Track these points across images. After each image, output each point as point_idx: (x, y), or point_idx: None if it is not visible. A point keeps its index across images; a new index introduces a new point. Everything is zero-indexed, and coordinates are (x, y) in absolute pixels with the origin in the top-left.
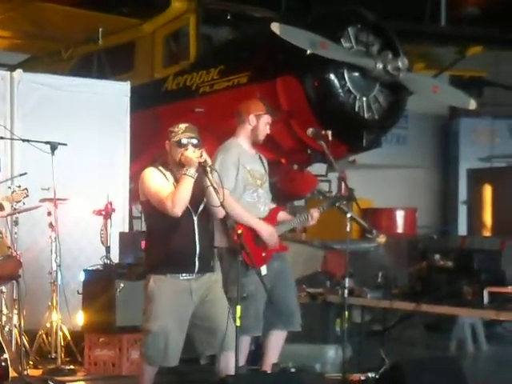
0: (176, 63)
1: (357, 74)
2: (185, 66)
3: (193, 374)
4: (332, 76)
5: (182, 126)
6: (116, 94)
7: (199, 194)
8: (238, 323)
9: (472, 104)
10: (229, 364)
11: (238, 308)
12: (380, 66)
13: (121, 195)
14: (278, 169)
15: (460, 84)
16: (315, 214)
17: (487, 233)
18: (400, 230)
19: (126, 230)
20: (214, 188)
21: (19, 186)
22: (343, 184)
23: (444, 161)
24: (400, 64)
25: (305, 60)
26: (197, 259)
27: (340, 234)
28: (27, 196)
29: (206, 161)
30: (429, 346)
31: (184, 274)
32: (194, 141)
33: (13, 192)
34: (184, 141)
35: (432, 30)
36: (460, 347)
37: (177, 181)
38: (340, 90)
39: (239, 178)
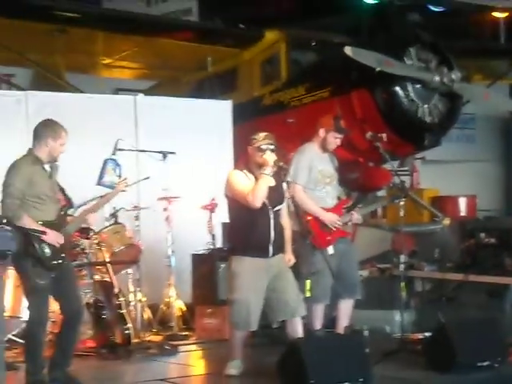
0: (270, 83)
1: (418, 85)
2: (278, 85)
3: (267, 337)
4: (398, 88)
5: (262, 134)
6: (220, 110)
7: (277, 196)
8: (308, 294)
9: None
10: (297, 328)
11: (308, 282)
12: (437, 78)
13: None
14: (358, 167)
15: None
16: (357, 216)
17: None
18: (462, 214)
19: (227, 221)
20: (288, 183)
21: (119, 176)
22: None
23: (507, 155)
24: (454, 76)
25: (375, 76)
26: (270, 245)
27: (412, 218)
28: (127, 185)
29: (280, 163)
30: (487, 309)
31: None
32: (271, 146)
33: (116, 184)
34: (263, 146)
35: (491, 46)
36: None
37: (256, 179)
38: (405, 100)
39: (311, 177)
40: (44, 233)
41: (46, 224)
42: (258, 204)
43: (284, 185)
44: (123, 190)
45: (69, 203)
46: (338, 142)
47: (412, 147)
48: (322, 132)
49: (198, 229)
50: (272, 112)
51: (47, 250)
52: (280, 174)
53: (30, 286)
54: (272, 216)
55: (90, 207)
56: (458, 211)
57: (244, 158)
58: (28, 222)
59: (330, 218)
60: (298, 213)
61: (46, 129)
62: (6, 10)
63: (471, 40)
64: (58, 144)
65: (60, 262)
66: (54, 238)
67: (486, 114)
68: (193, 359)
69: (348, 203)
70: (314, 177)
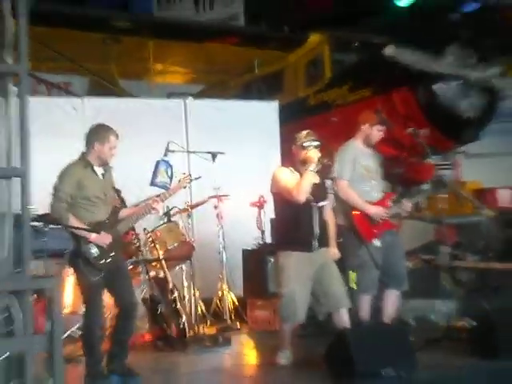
0: (315, 84)
1: (458, 82)
2: (322, 85)
3: (315, 328)
4: (438, 86)
5: (304, 132)
6: (267, 111)
7: (321, 192)
8: (354, 286)
9: None
10: (343, 319)
11: (352, 274)
12: (476, 74)
13: None
14: (402, 162)
15: None
16: (406, 202)
17: None
18: (504, 205)
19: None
20: (333, 179)
21: (183, 174)
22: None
23: None
24: (492, 72)
25: (415, 74)
26: (315, 240)
27: (455, 210)
28: (191, 180)
29: (324, 160)
30: None
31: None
32: (315, 143)
33: (179, 180)
34: (306, 144)
35: None
36: None
37: (301, 176)
38: (445, 96)
39: (356, 172)
40: (89, 235)
41: (94, 225)
42: (302, 199)
43: (328, 181)
44: (185, 186)
45: (122, 204)
46: (382, 134)
47: (452, 142)
48: (365, 127)
49: (248, 225)
50: (317, 111)
51: (94, 251)
52: (324, 171)
53: (83, 283)
54: (316, 211)
55: (159, 196)
56: (500, 202)
57: (290, 157)
58: (74, 224)
59: (376, 211)
60: (344, 207)
61: (94, 133)
62: (64, 20)
63: (509, 36)
64: (106, 148)
65: (109, 261)
66: (99, 239)
67: None
68: (245, 350)
69: (393, 196)
70: (359, 172)
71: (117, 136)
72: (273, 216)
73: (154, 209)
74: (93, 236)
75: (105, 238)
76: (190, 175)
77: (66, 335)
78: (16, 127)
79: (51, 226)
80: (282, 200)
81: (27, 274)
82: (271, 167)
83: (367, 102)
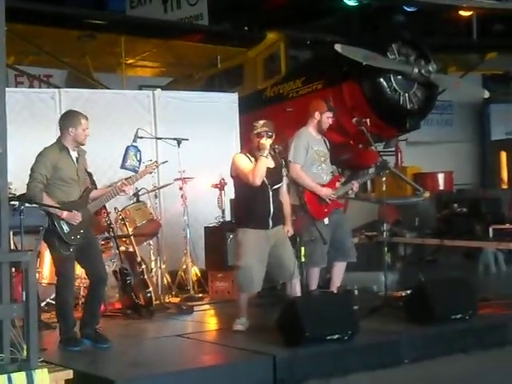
0: (272, 77)
1: (400, 77)
2: (278, 79)
3: (271, 297)
4: (382, 79)
5: (261, 122)
6: (228, 102)
7: (276, 176)
8: (304, 259)
9: (486, 94)
10: (295, 289)
11: (303, 248)
12: (416, 70)
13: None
14: (348, 148)
15: (492, 80)
16: (355, 184)
17: (504, 186)
18: (441, 188)
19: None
20: (288, 162)
21: (150, 160)
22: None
23: (480, 136)
24: (431, 68)
25: (362, 69)
26: (270, 219)
27: (397, 192)
28: (157, 167)
29: (276, 146)
30: (463, 269)
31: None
32: (269, 133)
33: (146, 166)
34: (261, 132)
35: (464, 42)
36: (485, 269)
37: (256, 161)
38: (388, 89)
39: (308, 156)
40: (60, 213)
41: (67, 204)
42: (257, 182)
43: (282, 167)
44: (151, 172)
45: (93, 185)
46: (331, 120)
47: (395, 130)
48: (316, 114)
49: (210, 205)
50: (273, 103)
51: (65, 227)
52: (278, 156)
53: (56, 257)
54: (271, 193)
55: (128, 179)
56: (437, 185)
57: (248, 143)
58: (48, 202)
59: (326, 192)
60: (297, 189)
61: (67, 119)
62: (42, 19)
63: (447, 36)
64: (79, 130)
65: (79, 237)
66: (70, 216)
67: (461, 100)
68: (206, 317)
69: (341, 179)
70: (311, 156)
71: (87, 118)
72: (232, 197)
73: (123, 191)
74: (64, 214)
75: (75, 216)
76: (157, 162)
77: (44, 303)
78: None
79: (27, 204)
80: (241, 183)
81: (5, 248)
82: (231, 152)
83: (319, 93)
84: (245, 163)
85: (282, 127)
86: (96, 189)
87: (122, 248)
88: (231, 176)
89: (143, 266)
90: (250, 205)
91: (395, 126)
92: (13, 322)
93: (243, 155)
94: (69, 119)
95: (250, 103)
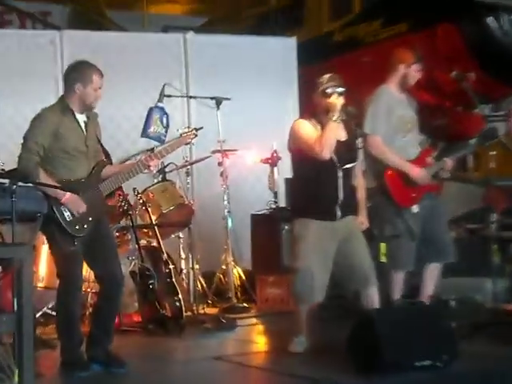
0: (342, 17)
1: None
2: (350, 18)
3: (339, 309)
4: (489, 20)
5: (327, 75)
6: (284, 49)
7: (347, 152)
8: (384, 259)
9: None
10: (372, 298)
11: (383, 245)
12: None
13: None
14: (443, 112)
15: None
16: (449, 161)
17: None
18: None
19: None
20: (363, 135)
21: (187, 127)
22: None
23: None
24: None
25: (462, 6)
26: (338, 207)
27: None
28: (196, 136)
29: (349, 108)
30: None
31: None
32: (339, 89)
33: (181, 135)
34: (329, 90)
35: None
36: None
37: (323, 129)
38: (499, 33)
39: (389, 124)
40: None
41: (71, 184)
42: (325, 155)
43: (357, 138)
44: (187, 143)
45: (107, 159)
46: (420, 75)
47: (507, 88)
48: (400, 67)
49: (258, 185)
50: (343, 50)
51: (67, 214)
52: (351, 125)
53: (57, 253)
54: (341, 174)
55: (155, 152)
56: None
57: (311, 106)
58: (46, 181)
59: (419, 173)
60: (375, 167)
61: (74, 72)
62: None
63: None
64: (89, 89)
65: (86, 226)
66: (73, 200)
67: None
68: (253, 334)
69: (432, 153)
70: (394, 123)
71: (101, 75)
72: (288, 175)
73: (147, 167)
74: (66, 196)
75: (78, 204)
76: (196, 129)
77: (39, 314)
78: None
79: (20, 183)
80: (302, 158)
81: None
82: (287, 117)
83: (403, 38)
84: (308, 131)
85: (355, 83)
86: (111, 164)
87: (143, 242)
88: (289, 149)
89: (170, 266)
90: (313, 188)
91: (507, 82)
92: (0, 338)
93: (305, 121)
94: (77, 72)
95: (313, 51)
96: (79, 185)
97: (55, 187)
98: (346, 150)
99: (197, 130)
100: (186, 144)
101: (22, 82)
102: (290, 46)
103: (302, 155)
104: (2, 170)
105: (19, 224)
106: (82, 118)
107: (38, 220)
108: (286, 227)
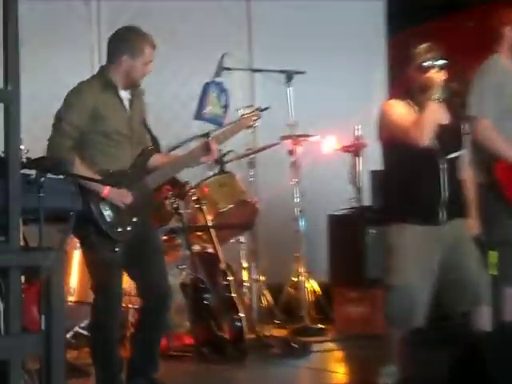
0: None
1: None
2: None
3: (440, 332)
4: None
5: (424, 45)
6: (369, 12)
7: (452, 139)
8: (493, 271)
9: None
10: (484, 320)
11: (493, 254)
12: None
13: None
14: None
15: None
16: None
17: None
18: None
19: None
20: (469, 118)
21: (250, 106)
22: None
23: None
24: None
25: None
26: (442, 207)
27: None
28: (260, 118)
29: (452, 85)
30: None
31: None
32: (439, 62)
33: (242, 116)
34: (427, 63)
35: None
36: None
37: (421, 110)
38: None
39: (501, 105)
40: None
41: (112, 175)
42: (424, 141)
43: (463, 122)
44: (250, 126)
45: (155, 146)
46: None
47: None
48: (508, 31)
49: (337, 179)
50: (442, 13)
51: (108, 213)
52: (454, 106)
53: (93, 261)
54: (444, 167)
55: (208, 140)
56: None
57: (404, 82)
58: (81, 171)
59: None
60: (484, 158)
61: (122, 41)
62: None
63: None
64: (138, 63)
65: (129, 229)
66: (115, 194)
67: None
68: (330, 362)
69: None
70: (505, 103)
71: (154, 46)
72: (375, 167)
73: (206, 156)
74: (106, 190)
75: (123, 195)
76: (260, 109)
77: (69, 334)
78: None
79: (49, 174)
80: (394, 146)
81: (14, 245)
82: (373, 96)
83: None
84: (402, 113)
85: (457, 54)
86: (159, 152)
87: (197, 247)
88: (378, 135)
89: (230, 278)
90: (410, 184)
91: None
92: (25, 363)
93: (398, 101)
94: (125, 42)
95: (404, 15)
96: (123, 176)
97: (93, 180)
98: (449, 136)
99: (262, 110)
100: (248, 128)
101: (49, 51)
102: (377, 9)
103: (394, 143)
104: (27, 158)
105: (47, 224)
106: (125, 95)
107: (70, 220)
108: (372, 231)
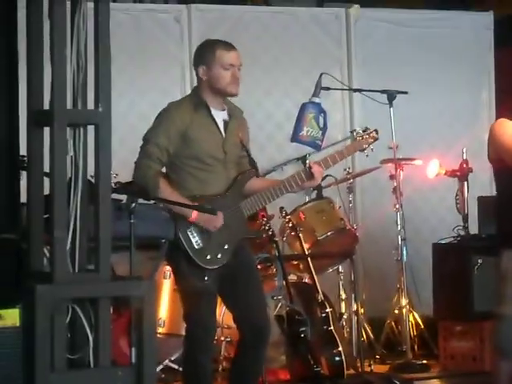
0: None
1: None
2: None
3: None
4: None
5: None
6: (476, 26)
7: None
8: None
9: None
10: None
11: None
12: None
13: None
14: None
15: None
16: None
17: None
18: None
19: (489, 193)
20: None
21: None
22: None
23: None
24: None
25: None
26: None
27: None
28: (377, 139)
29: None
30: None
31: None
32: None
33: (357, 137)
34: None
35: None
36: None
37: None
38: None
39: None
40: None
41: (205, 200)
42: None
43: None
44: (364, 149)
45: (253, 169)
46: None
47: None
48: None
49: (442, 206)
50: None
51: (196, 239)
52: None
53: (185, 290)
54: None
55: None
56: None
57: None
58: (167, 195)
59: None
60: None
61: (196, 56)
62: None
63: None
64: (216, 69)
65: (220, 256)
66: (204, 220)
67: None
68: None
69: None
70: None
71: (229, 48)
72: (482, 193)
73: (311, 181)
74: (194, 214)
75: (213, 219)
76: (376, 131)
77: (159, 368)
78: (90, 49)
79: (141, 200)
80: (507, 169)
81: (105, 274)
82: (481, 115)
83: None
84: None
85: None
86: (257, 176)
87: (293, 277)
88: (488, 158)
89: (328, 310)
90: None
91: None
92: None
93: (510, 121)
94: (198, 54)
95: None
96: (215, 201)
97: (183, 205)
98: None
99: (377, 132)
100: (362, 151)
101: (136, 69)
102: (485, 23)
103: (507, 166)
104: (118, 182)
105: (138, 252)
106: (221, 115)
107: (162, 248)
108: (479, 260)
